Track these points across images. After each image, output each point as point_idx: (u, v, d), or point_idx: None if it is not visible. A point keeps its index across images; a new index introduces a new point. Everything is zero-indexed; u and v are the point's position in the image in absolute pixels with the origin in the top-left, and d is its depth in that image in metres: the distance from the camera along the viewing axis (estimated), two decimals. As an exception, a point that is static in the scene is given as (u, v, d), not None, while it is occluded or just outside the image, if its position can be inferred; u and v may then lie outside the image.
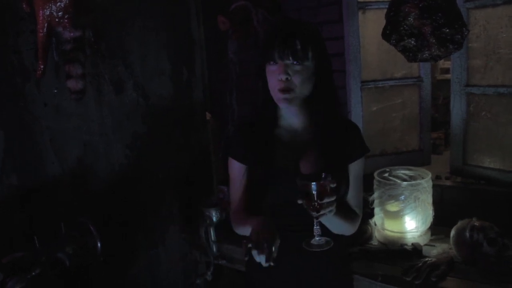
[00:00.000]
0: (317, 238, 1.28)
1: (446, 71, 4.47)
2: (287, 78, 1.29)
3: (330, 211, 1.23)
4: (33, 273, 1.34)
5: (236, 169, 1.49)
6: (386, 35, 1.80)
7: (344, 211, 1.41)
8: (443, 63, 4.64)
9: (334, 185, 1.21)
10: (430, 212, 2.01)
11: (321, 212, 1.21)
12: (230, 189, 1.55)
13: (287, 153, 1.42)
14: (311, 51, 1.30)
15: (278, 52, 1.29)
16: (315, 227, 1.27)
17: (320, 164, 1.35)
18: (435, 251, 1.90)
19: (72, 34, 1.40)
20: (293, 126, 1.44)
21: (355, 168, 1.45)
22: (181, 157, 2.27)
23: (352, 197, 1.45)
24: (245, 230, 1.41)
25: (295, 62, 1.29)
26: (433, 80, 2.68)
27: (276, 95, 1.34)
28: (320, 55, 1.34)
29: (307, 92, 1.35)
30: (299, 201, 1.22)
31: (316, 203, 1.20)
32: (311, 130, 1.42)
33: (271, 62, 1.32)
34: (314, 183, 1.19)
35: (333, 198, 1.21)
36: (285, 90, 1.30)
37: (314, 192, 1.19)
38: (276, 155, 1.42)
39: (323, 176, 1.21)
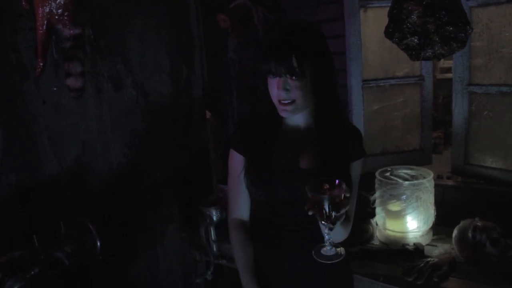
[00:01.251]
0: (329, 248, 1.19)
1: (446, 70, 4.45)
2: (285, 93, 1.29)
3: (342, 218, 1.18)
4: (32, 272, 1.33)
5: (237, 161, 1.47)
6: (388, 33, 1.78)
7: None
8: (443, 62, 4.62)
9: (348, 194, 1.15)
10: (432, 212, 2.00)
11: (337, 223, 1.15)
12: (228, 183, 1.52)
13: (286, 152, 1.40)
14: (308, 64, 1.27)
15: (275, 68, 1.28)
16: (326, 237, 1.17)
17: (317, 163, 1.33)
18: (437, 251, 1.89)
19: (71, 31, 1.39)
20: (294, 125, 1.43)
21: (352, 172, 1.42)
22: (180, 155, 2.25)
23: None
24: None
25: (293, 78, 1.27)
26: (433, 79, 2.67)
27: (277, 106, 1.33)
28: (320, 64, 1.31)
29: (309, 101, 1.33)
30: (310, 213, 1.13)
31: (331, 215, 1.10)
32: (312, 129, 1.41)
33: (270, 76, 1.31)
34: (327, 196, 1.09)
35: (347, 208, 1.16)
36: (286, 103, 1.30)
37: (329, 205, 1.09)
38: (275, 154, 1.40)
39: (336, 183, 1.11)
